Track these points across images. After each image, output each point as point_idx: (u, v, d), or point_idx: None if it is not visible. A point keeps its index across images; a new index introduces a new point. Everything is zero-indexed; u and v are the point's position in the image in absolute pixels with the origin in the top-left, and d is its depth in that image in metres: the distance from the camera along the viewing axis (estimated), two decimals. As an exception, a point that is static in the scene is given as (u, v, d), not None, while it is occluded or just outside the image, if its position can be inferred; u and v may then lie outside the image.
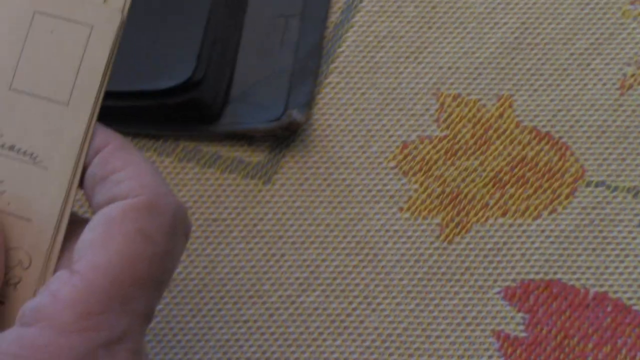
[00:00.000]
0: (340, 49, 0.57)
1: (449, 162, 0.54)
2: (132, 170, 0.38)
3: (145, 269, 0.36)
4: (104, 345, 0.35)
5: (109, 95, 0.53)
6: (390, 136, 0.55)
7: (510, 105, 0.55)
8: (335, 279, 0.52)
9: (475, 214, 0.53)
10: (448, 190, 0.53)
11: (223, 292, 0.52)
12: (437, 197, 0.53)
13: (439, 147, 0.54)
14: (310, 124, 0.55)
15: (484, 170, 0.54)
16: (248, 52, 0.57)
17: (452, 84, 0.56)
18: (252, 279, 0.52)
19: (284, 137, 0.55)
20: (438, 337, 0.51)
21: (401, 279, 0.52)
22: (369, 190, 0.54)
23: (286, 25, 0.57)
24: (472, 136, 0.55)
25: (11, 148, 0.39)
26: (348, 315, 0.51)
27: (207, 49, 0.55)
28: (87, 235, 0.37)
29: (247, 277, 0.52)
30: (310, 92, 0.55)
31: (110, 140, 0.39)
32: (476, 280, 0.52)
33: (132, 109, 0.55)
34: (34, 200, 0.39)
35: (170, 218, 0.37)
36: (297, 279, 0.52)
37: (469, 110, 0.55)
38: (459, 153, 0.54)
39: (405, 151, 0.54)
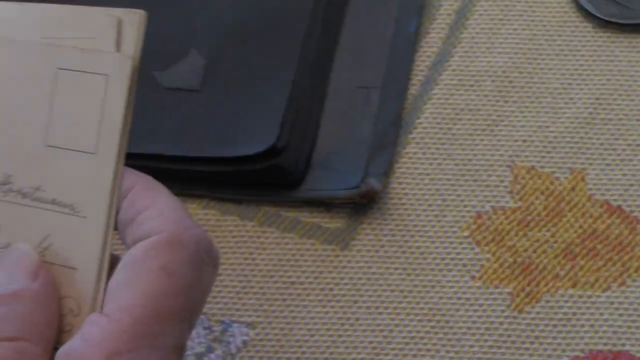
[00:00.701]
0: (419, 120, 0.59)
1: (521, 233, 0.56)
2: (155, 210, 0.40)
3: (171, 304, 0.38)
4: None
5: (192, 160, 0.56)
6: (465, 206, 0.57)
7: (582, 179, 0.57)
8: (407, 343, 0.53)
9: (546, 284, 0.54)
10: (519, 260, 0.55)
11: (299, 354, 0.53)
12: (509, 266, 0.55)
13: (511, 218, 0.56)
14: (387, 192, 0.57)
15: (556, 242, 0.55)
16: (330, 121, 0.59)
17: (526, 156, 0.58)
18: (327, 341, 0.54)
19: (362, 204, 0.57)
20: (506, 404, 0.52)
21: (472, 346, 0.53)
22: (443, 259, 0.55)
23: (367, 96, 0.59)
24: (545, 208, 0.56)
25: (53, 202, 0.41)
26: (419, 379, 0.53)
27: (290, 117, 0.57)
28: (116, 277, 0.39)
29: (322, 339, 0.54)
30: (388, 162, 0.57)
31: (137, 182, 0.41)
32: (545, 350, 0.53)
33: (216, 174, 0.57)
34: (77, 249, 0.41)
35: (193, 250, 0.39)
36: (370, 342, 0.54)
37: (542, 183, 0.57)
38: (532, 224, 0.56)
39: (479, 221, 0.56)
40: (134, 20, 0.41)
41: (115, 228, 0.41)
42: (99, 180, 0.41)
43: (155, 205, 0.40)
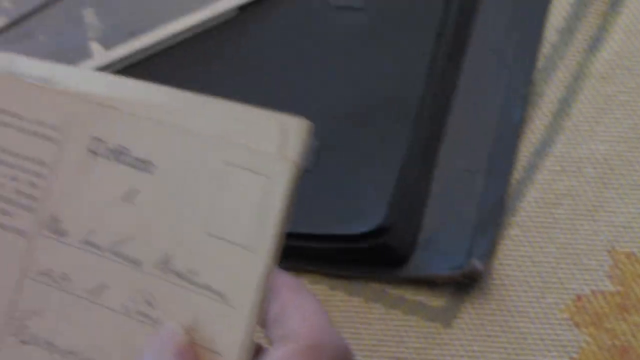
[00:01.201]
0: (522, 204, 0.61)
1: (620, 317, 0.57)
2: (300, 314, 0.42)
3: None
4: None
5: (304, 237, 0.59)
6: (565, 289, 0.58)
7: (682, 266, 0.58)
8: (506, 421, 0.55)
9: (644, 368, 0.56)
10: (618, 343, 0.56)
11: None
12: (608, 349, 0.56)
13: (611, 301, 0.58)
14: (490, 273, 0.59)
15: (654, 327, 0.57)
16: (435, 202, 0.61)
17: (626, 242, 0.59)
18: (428, 415, 0.56)
19: (465, 284, 0.59)
20: None
21: None
22: (542, 340, 0.57)
23: (472, 179, 0.62)
24: (644, 293, 0.58)
25: (206, 287, 0.43)
26: None
27: (398, 197, 0.60)
28: None
29: (424, 413, 0.56)
30: (491, 243, 0.59)
31: (285, 283, 0.44)
32: None
33: (326, 251, 0.60)
34: (223, 335, 0.43)
35: (330, 357, 0.41)
36: (470, 418, 0.55)
37: (642, 268, 0.58)
38: (630, 309, 0.57)
39: (579, 304, 0.58)
40: (300, 127, 0.43)
41: (261, 324, 0.43)
42: (251, 276, 0.43)
43: (300, 309, 0.42)
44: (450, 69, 0.65)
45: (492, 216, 0.61)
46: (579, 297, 0.58)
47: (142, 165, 0.46)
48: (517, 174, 0.62)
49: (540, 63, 0.65)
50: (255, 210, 0.43)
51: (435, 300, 0.59)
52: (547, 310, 0.58)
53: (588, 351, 0.56)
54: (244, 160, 0.44)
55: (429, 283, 0.59)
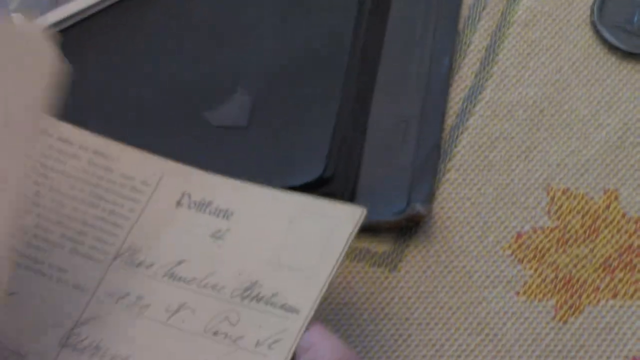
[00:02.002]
0: (457, 149, 0.62)
1: (560, 250, 0.58)
2: (328, 344, 0.49)
3: None
4: None
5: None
6: (505, 227, 0.59)
7: (615, 198, 0.60)
8: (459, 356, 0.56)
9: (587, 297, 0.57)
10: (561, 275, 0.58)
11: (355, 369, 0.56)
12: (551, 281, 0.58)
13: (550, 236, 0.59)
14: (431, 216, 0.60)
15: (594, 257, 0.58)
16: (372, 152, 0.62)
17: (561, 179, 0.61)
18: (382, 357, 0.56)
19: (408, 228, 0.60)
20: (557, 409, 0.54)
21: (520, 357, 0.56)
22: (487, 276, 0.58)
23: (406, 127, 0.63)
24: (582, 226, 0.59)
25: (282, 306, 0.50)
26: (472, 389, 0.55)
27: (335, 149, 0.60)
28: None
29: (377, 356, 0.56)
30: (430, 188, 0.60)
31: (315, 324, 0.49)
32: (590, 357, 0.56)
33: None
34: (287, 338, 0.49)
35: None
36: (423, 356, 0.56)
37: (578, 203, 0.60)
38: (570, 241, 0.59)
39: (520, 240, 0.59)
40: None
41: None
42: (309, 294, 0.50)
43: (329, 340, 0.49)
44: (377, 22, 0.66)
45: (429, 162, 0.61)
46: (519, 235, 0.59)
47: (223, 213, 0.53)
48: (450, 120, 0.63)
49: (465, 12, 0.66)
50: (322, 245, 0.50)
51: (379, 246, 0.59)
52: (489, 248, 0.59)
53: (532, 284, 0.58)
54: (317, 209, 0.52)
55: (372, 230, 0.60)
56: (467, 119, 0.63)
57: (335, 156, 0.60)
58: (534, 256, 0.59)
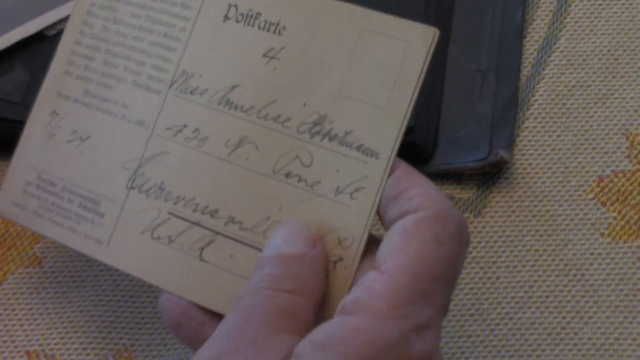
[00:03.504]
0: (534, 98, 0.63)
1: (643, 192, 0.59)
2: (420, 189, 0.44)
3: (440, 268, 0.42)
4: (414, 330, 0.41)
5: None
6: (587, 172, 0.60)
7: (695, 141, 0.61)
8: (547, 297, 0.57)
9: (672, 237, 0.58)
10: (644, 217, 0.59)
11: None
12: (635, 223, 0.59)
13: (632, 179, 0.60)
14: (513, 163, 0.61)
15: (676, 199, 0.59)
16: (451, 102, 0.63)
17: (639, 124, 0.61)
18: (471, 299, 0.57)
19: (491, 175, 0.61)
20: (647, 345, 0.55)
21: (608, 295, 0.57)
22: (572, 219, 0.59)
23: (484, 78, 0.64)
24: (663, 169, 0.60)
25: (358, 147, 0.46)
26: (563, 328, 0.56)
27: (415, 100, 0.61)
28: (388, 243, 0.43)
29: (467, 297, 0.57)
30: (510, 136, 0.61)
31: (399, 165, 0.46)
32: (678, 295, 0.56)
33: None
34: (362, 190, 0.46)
35: (457, 227, 0.43)
36: (513, 298, 0.57)
37: (657, 147, 0.61)
38: (652, 184, 0.60)
39: (602, 184, 0.60)
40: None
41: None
42: (387, 132, 0.46)
43: (419, 186, 0.45)
44: (449, -23, 0.67)
45: (507, 110, 0.62)
46: (601, 178, 0.60)
47: (274, 27, 0.48)
48: (526, 70, 0.64)
49: (536, -35, 0.67)
50: (393, 73, 0.46)
51: (463, 193, 0.60)
52: (572, 192, 0.60)
53: (617, 226, 0.59)
54: (382, 26, 0.46)
55: (455, 176, 0.61)
56: (543, 69, 0.64)
57: (417, 106, 0.61)
58: (617, 199, 0.59)
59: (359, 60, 0.46)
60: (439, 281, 0.42)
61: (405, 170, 0.46)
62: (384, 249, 0.43)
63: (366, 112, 0.46)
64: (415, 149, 0.61)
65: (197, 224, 0.48)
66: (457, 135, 0.62)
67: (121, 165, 0.50)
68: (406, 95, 0.46)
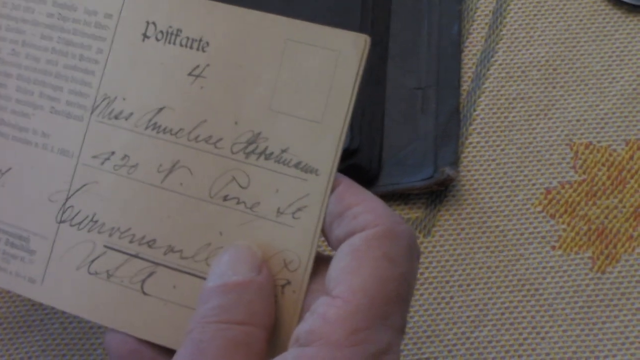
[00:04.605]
0: (476, 112, 0.63)
1: (590, 202, 0.59)
2: (365, 205, 0.42)
3: (395, 287, 0.41)
4: (374, 356, 0.40)
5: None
6: (533, 184, 0.60)
7: (638, 148, 0.61)
8: (503, 314, 0.56)
9: (622, 246, 0.58)
10: (593, 227, 0.58)
11: (402, 334, 0.56)
12: (585, 234, 0.58)
13: (579, 189, 0.60)
14: (459, 180, 0.60)
15: (624, 207, 0.59)
16: (393, 121, 0.62)
17: (582, 134, 0.61)
18: (427, 320, 0.57)
19: (438, 193, 0.60)
20: (605, 357, 0.55)
21: (563, 309, 0.56)
22: (522, 234, 0.59)
23: (424, 95, 0.63)
24: (608, 178, 0.60)
25: (297, 164, 0.44)
26: (520, 345, 0.56)
27: (357, 121, 0.60)
28: (337, 265, 0.41)
29: (422, 319, 0.57)
30: (455, 152, 0.61)
31: (341, 180, 0.44)
32: (633, 304, 0.56)
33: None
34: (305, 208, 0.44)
35: (407, 242, 0.42)
36: (468, 317, 0.57)
37: (602, 156, 0.61)
38: (599, 193, 0.59)
39: (549, 196, 0.60)
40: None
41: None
42: (325, 147, 0.43)
43: (363, 201, 0.43)
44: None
45: (450, 127, 0.62)
46: (548, 190, 0.60)
47: (197, 44, 0.46)
48: (466, 85, 0.64)
49: (469, -21, 0.67)
50: (325, 85, 0.43)
51: (412, 213, 0.60)
52: (520, 206, 0.59)
53: (567, 238, 0.58)
54: (310, 36, 0.44)
55: (402, 197, 0.60)
56: (483, 83, 0.64)
57: (358, 128, 0.60)
58: (565, 210, 0.59)
59: (288, 74, 0.44)
60: (395, 301, 0.41)
61: (348, 185, 0.44)
62: (333, 272, 0.41)
63: (301, 127, 0.44)
64: (361, 171, 0.60)
65: (136, 255, 0.46)
66: (402, 154, 0.61)
67: (47, 198, 0.48)
68: (342, 106, 0.43)
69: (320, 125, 0.44)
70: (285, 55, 0.44)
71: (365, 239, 0.41)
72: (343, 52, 0.44)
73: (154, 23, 0.47)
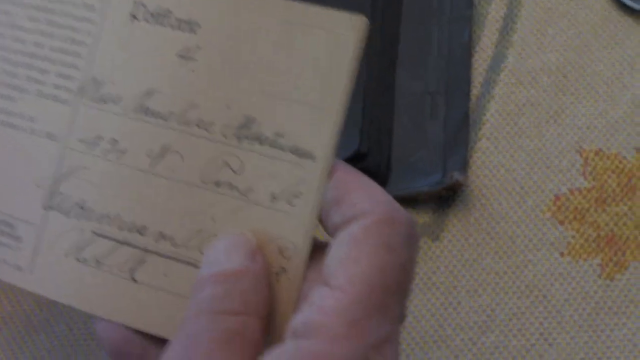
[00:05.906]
0: (486, 117, 0.62)
1: (600, 209, 0.59)
2: (363, 192, 0.41)
3: (395, 276, 0.40)
4: (374, 347, 0.39)
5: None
6: (542, 191, 0.60)
7: (648, 155, 0.60)
8: (510, 319, 0.56)
9: (631, 253, 0.58)
10: (602, 234, 0.58)
11: (409, 340, 0.56)
12: (594, 240, 0.58)
13: (588, 196, 0.59)
14: (467, 185, 0.60)
15: (634, 214, 0.59)
16: (402, 126, 0.62)
17: (592, 141, 0.61)
18: (434, 325, 0.56)
19: (446, 198, 0.60)
20: (613, 364, 0.55)
21: (572, 315, 0.56)
22: (530, 240, 0.58)
23: (433, 100, 0.63)
24: (618, 185, 0.60)
25: (293, 148, 0.42)
26: (527, 351, 0.55)
27: (366, 126, 0.60)
28: (335, 254, 0.40)
29: (429, 324, 0.56)
30: (464, 157, 0.60)
31: (338, 167, 0.42)
32: (641, 311, 0.56)
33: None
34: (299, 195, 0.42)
35: (406, 230, 0.41)
36: (475, 322, 0.56)
37: (612, 163, 0.60)
38: (608, 200, 0.59)
39: (559, 202, 0.59)
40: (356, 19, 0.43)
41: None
42: (322, 131, 0.42)
43: (362, 188, 0.42)
44: (393, 1, 0.66)
45: (459, 132, 0.62)
46: (557, 197, 0.60)
47: (187, 26, 0.45)
48: (476, 90, 0.63)
49: (480, -16, 0.67)
50: (321, 67, 0.42)
51: (420, 217, 0.59)
52: (529, 212, 0.59)
53: (576, 245, 0.58)
54: (306, 17, 0.43)
55: (410, 201, 0.60)
56: (493, 88, 0.63)
57: (367, 133, 0.60)
58: (574, 217, 0.59)
59: (283, 56, 0.43)
60: (394, 290, 0.40)
61: (346, 171, 0.42)
62: (331, 261, 0.40)
63: (296, 111, 0.42)
64: (369, 175, 0.59)
65: (125, 242, 0.45)
66: (410, 159, 0.61)
67: (34, 183, 0.46)
68: (338, 89, 0.42)
69: (317, 109, 0.42)
70: (281, 37, 0.43)
71: (364, 227, 0.40)
72: (340, 33, 0.42)
73: (143, 4, 0.46)
